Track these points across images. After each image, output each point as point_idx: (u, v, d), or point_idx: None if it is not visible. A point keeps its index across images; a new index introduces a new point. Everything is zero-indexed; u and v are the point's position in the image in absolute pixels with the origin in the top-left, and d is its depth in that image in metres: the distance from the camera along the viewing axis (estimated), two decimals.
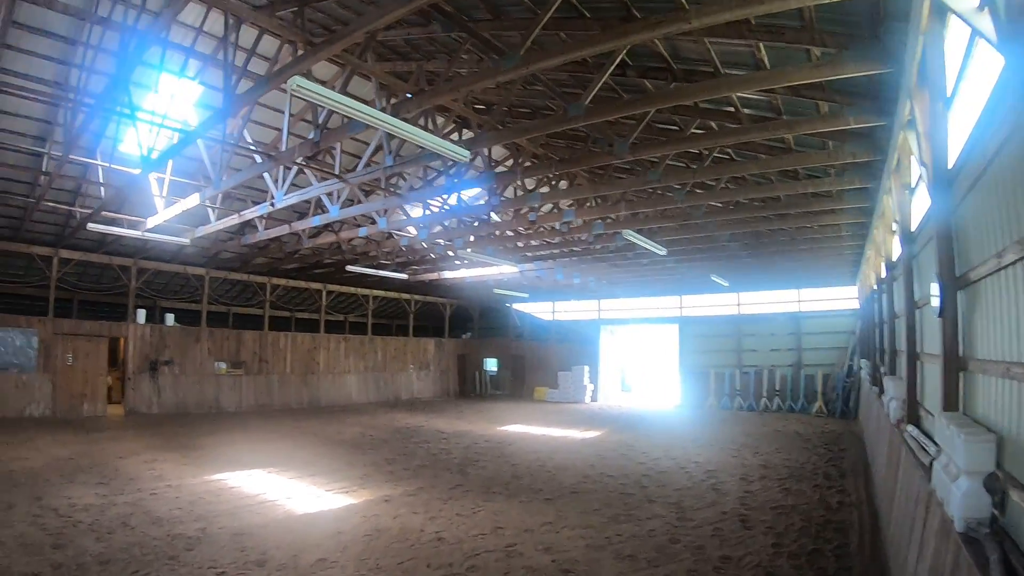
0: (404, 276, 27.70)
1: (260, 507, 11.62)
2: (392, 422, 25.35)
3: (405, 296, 37.44)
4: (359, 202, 17.59)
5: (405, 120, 10.04)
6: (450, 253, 21.47)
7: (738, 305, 33.28)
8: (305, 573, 8.27)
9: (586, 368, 36.29)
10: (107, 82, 13.67)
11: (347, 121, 10.60)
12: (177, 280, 28.70)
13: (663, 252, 18.76)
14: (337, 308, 36.80)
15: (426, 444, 19.72)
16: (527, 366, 39.58)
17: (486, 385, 40.73)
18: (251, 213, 17.27)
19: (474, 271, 27.20)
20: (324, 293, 32.97)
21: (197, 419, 24.28)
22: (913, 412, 10.33)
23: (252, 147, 14.20)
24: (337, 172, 14.37)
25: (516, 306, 41.37)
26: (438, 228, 21.16)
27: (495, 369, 41.16)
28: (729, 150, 13.96)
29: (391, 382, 35.94)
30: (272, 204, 15.73)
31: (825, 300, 30.97)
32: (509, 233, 20.87)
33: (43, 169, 16.26)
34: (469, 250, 21.16)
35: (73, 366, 23.67)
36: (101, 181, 17.23)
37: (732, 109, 11.70)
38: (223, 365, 27.97)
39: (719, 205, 16.79)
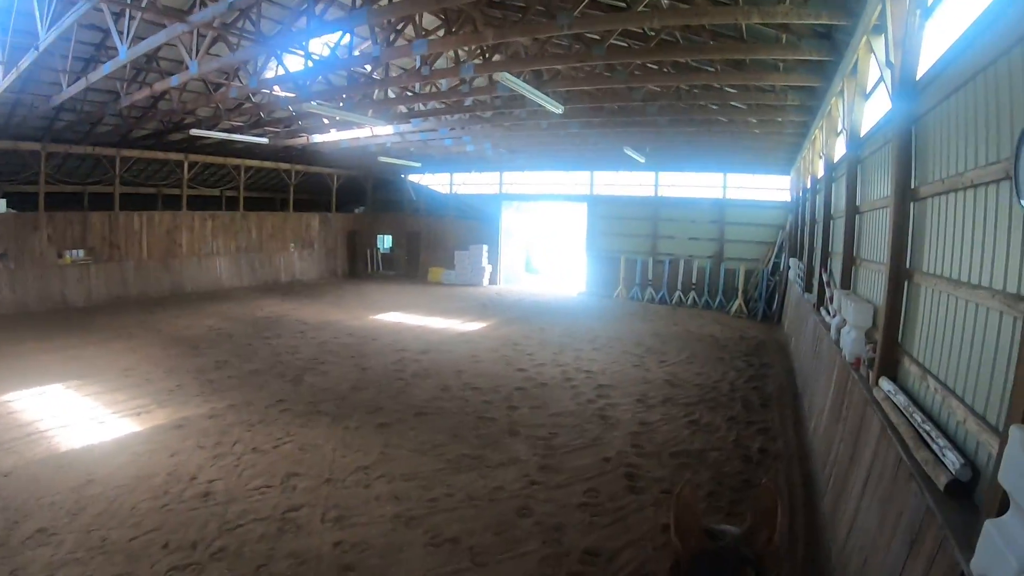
0: (264, 140, 24.13)
1: (23, 442, 9.49)
2: (255, 311, 23.06)
3: (284, 166, 32.96)
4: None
5: None
6: (312, 111, 17.82)
7: (656, 186, 30.60)
8: (13, 552, 6.31)
9: (484, 248, 33.60)
10: None
11: None
12: (15, 159, 24.65)
13: (559, 110, 15.62)
14: (207, 182, 32.78)
15: (277, 339, 17.79)
16: (422, 244, 36.58)
17: (378, 264, 38.08)
18: (25, 62, 13.98)
19: (348, 134, 23.81)
20: (186, 165, 28.81)
21: (35, 319, 21.12)
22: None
23: None
24: None
25: (412, 178, 38.06)
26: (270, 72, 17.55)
27: (389, 247, 38.53)
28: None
29: (268, 263, 32.72)
30: (36, 48, 12.71)
31: (754, 188, 28.53)
32: (368, 75, 17.70)
33: None
34: (315, 104, 17.33)
35: None
36: None
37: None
38: (76, 254, 24.75)
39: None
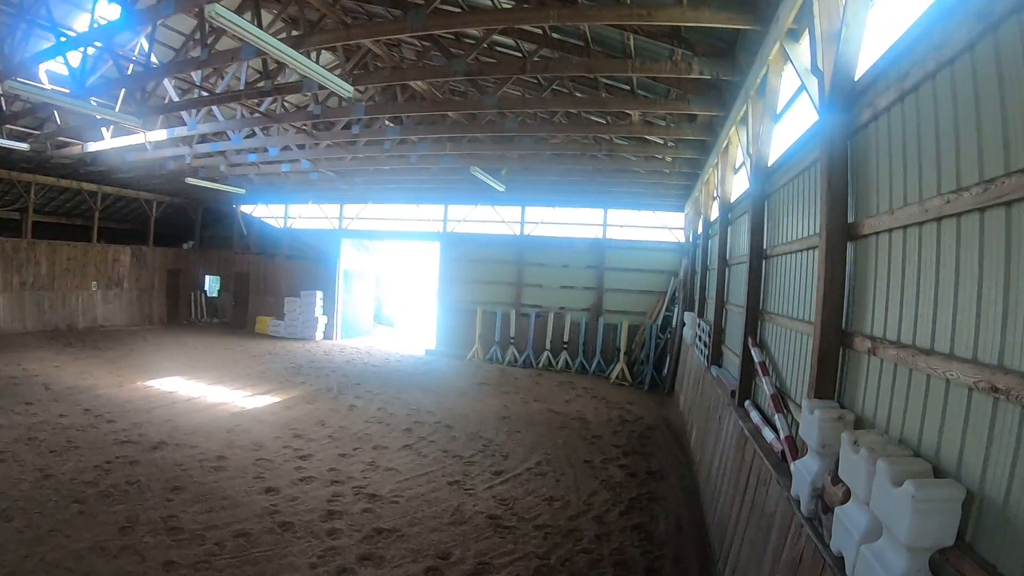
0: (24, 146, 17.51)
1: None
2: (7, 367, 17.10)
3: (89, 187, 26.10)
4: None
5: None
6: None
7: (522, 223, 25.28)
8: None
9: (319, 295, 27.81)
10: None
11: None
12: None
13: (347, 92, 10.37)
14: None
15: None
16: (251, 288, 30.37)
17: (202, 311, 31.59)
18: None
19: (124, 140, 17.38)
20: None
21: None
22: None
23: None
24: None
25: (244, 209, 31.21)
26: None
27: (218, 290, 32.07)
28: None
29: (61, 304, 26.01)
30: None
31: (641, 227, 23.76)
32: None
33: None
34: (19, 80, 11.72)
35: None
36: None
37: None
38: None
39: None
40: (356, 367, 21.02)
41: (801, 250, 6.40)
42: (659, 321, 21.32)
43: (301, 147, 17.98)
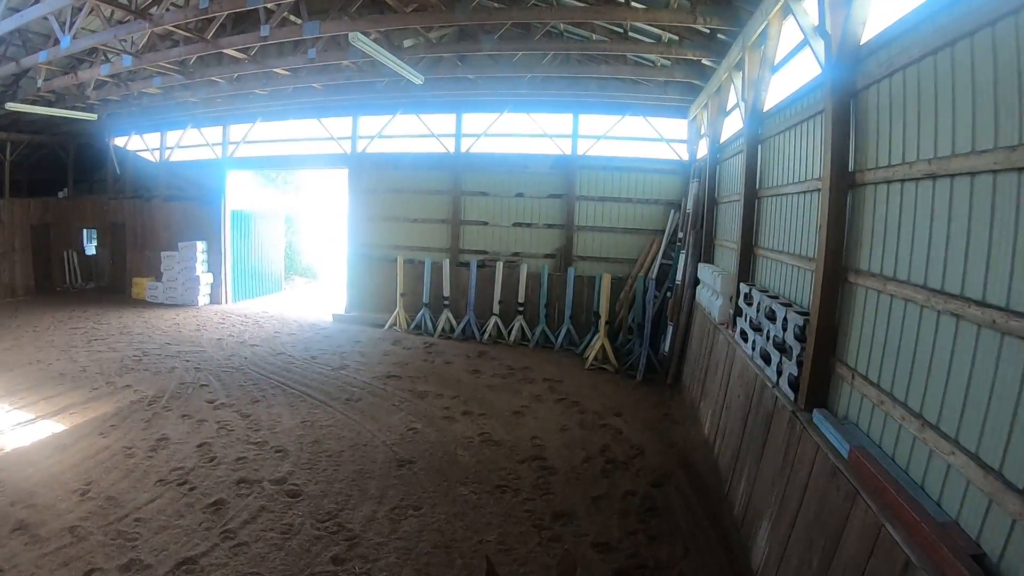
0: None
1: None
2: None
3: None
4: None
5: None
6: None
7: (458, 137, 18.78)
8: None
9: (200, 246, 21.81)
10: None
11: None
12: None
13: None
14: None
15: None
16: (128, 240, 24.21)
17: (76, 274, 25.36)
18: None
19: None
20: None
21: None
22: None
23: None
24: None
25: (118, 141, 24.43)
26: None
27: (95, 247, 25.97)
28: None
29: None
30: None
31: (627, 139, 17.59)
32: None
33: None
34: None
35: None
36: None
37: None
38: None
39: None
40: (223, 351, 15.13)
41: None
42: (653, 272, 15.25)
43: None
